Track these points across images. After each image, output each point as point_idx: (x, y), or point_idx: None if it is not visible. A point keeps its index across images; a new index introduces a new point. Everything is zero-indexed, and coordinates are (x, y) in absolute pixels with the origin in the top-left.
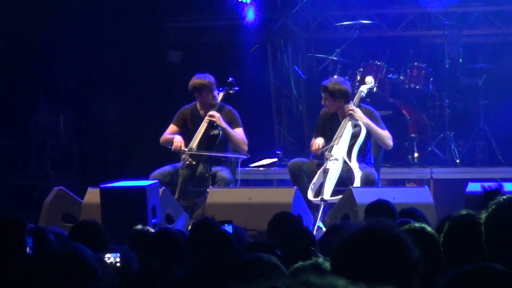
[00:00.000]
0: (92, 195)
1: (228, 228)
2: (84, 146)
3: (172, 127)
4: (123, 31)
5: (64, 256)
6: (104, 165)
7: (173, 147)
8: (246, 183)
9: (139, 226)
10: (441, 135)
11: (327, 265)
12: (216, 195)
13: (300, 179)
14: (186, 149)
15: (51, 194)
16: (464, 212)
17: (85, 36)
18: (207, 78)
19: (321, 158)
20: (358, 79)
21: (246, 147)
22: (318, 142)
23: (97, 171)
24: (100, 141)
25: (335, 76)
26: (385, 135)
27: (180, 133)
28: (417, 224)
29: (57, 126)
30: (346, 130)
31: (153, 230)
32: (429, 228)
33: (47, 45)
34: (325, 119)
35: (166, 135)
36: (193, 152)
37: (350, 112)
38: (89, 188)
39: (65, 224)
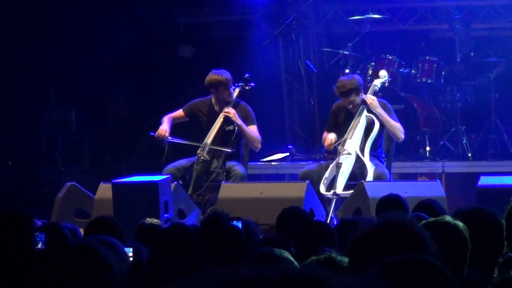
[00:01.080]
0: (104, 191)
1: (238, 224)
2: (95, 142)
3: (179, 111)
4: (134, 27)
5: (82, 251)
6: (115, 161)
7: (156, 133)
8: (257, 177)
9: (147, 220)
10: (453, 129)
11: (341, 259)
12: (228, 190)
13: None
14: (170, 138)
15: (63, 190)
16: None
17: (97, 31)
18: (225, 75)
19: (333, 153)
20: (370, 73)
21: (259, 145)
22: (331, 137)
23: (109, 166)
24: (111, 137)
25: (347, 72)
26: (398, 127)
27: (185, 121)
28: (432, 219)
29: (69, 122)
30: (359, 124)
31: (159, 223)
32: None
33: (59, 40)
34: (337, 113)
35: (168, 115)
36: (207, 147)
37: (367, 99)
38: (101, 183)
39: (77, 220)
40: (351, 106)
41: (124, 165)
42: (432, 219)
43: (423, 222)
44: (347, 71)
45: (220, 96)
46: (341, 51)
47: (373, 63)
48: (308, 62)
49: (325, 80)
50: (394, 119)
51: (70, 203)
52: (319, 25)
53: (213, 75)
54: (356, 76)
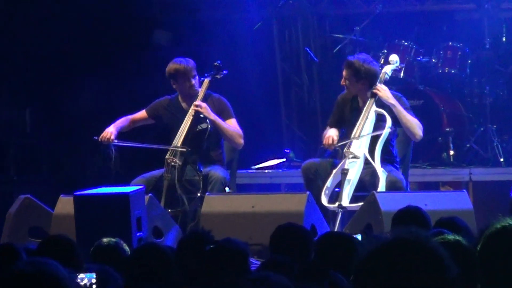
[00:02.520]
0: (65, 205)
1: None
2: (55, 146)
3: (141, 112)
4: (100, 9)
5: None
6: (79, 169)
7: (99, 137)
8: (248, 188)
9: (105, 240)
10: (482, 129)
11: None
12: (212, 203)
13: (315, 184)
14: (116, 141)
15: (16, 204)
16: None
17: (56, 13)
18: (184, 63)
19: (334, 155)
20: (382, 62)
21: (241, 140)
22: (331, 134)
23: (71, 175)
24: (74, 140)
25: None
26: (415, 122)
27: (148, 123)
28: (451, 237)
29: (23, 122)
30: (368, 121)
31: (119, 243)
32: (465, 242)
33: (11, 26)
34: (342, 107)
35: (125, 116)
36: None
37: (375, 91)
38: (61, 196)
39: (32, 239)
40: (344, 83)
41: (89, 174)
42: (440, 237)
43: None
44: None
45: (181, 88)
46: (347, 36)
47: (385, 51)
48: (308, 49)
49: (328, 71)
50: (410, 114)
51: (24, 220)
52: (321, 5)
53: (171, 64)
54: (371, 65)
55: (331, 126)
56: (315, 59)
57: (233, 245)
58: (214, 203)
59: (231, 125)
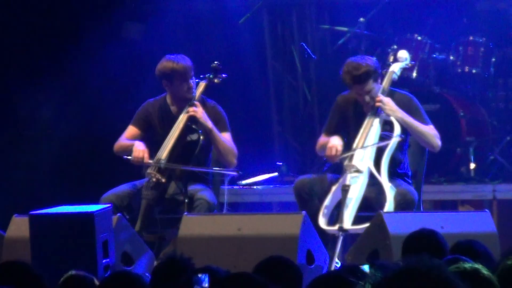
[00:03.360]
0: (19, 226)
1: (204, 280)
2: (6, 158)
3: (131, 130)
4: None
5: None
6: (35, 185)
7: (132, 157)
8: (234, 207)
9: (72, 272)
10: (508, 138)
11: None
12: (192, 225)
13: (311, 204)
14: (151, 161)
15: None
16: None
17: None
18: (182, 62)
19: (335, 169)
20: (392, 60)
21: (235, 160)
22: (335, 144)
23: (26, 192)
24: (29, 151)
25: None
26: (430, 132)
27: (143, 138)
28: (468, 264)
29: None
30: (373, 128)
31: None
32: (485, 271)
33: None
34: (344, 110)
35: (123, 140)
36: (163, 165)
37: (377, 104)
38: (14, 216)
39: None
40: (368, 98)
41: (46, 191)
42: (455, 265)
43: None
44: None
45: (176, 90)
46: (351, 29)
47: (395, 46)
48: (304, 44)
49: (328, 70)
50: (424, 121)
51: None
52: None
53: (165, 62)
54: (369, 57)
55: (328, 134)
56: (313, 56)
57: (214, 274)
58: (194, 225)
59: (227, 140)
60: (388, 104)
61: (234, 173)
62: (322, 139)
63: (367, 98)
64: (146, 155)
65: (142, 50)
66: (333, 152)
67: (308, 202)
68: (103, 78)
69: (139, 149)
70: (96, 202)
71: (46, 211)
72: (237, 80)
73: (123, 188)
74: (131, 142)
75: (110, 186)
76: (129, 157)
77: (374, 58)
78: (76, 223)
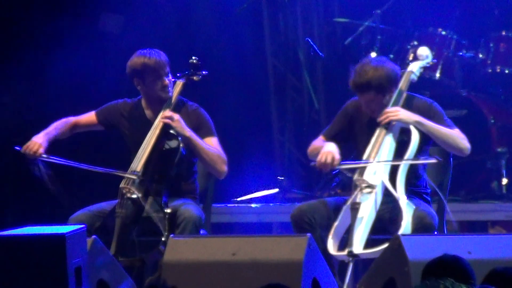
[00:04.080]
0: None
1: None
2: None
3: (89, 116)
4: None
5: None
6: None
7: (23, 147)
8: (228, 228)
9: None
10: None
11: None
12: (179, 248)
13: (313, 234)
14: (43, 155)
15: None
16: None
17: None
18: (154, 56)
19: (347, 185)
20: (411, 58)
21: (225, 167)
22: (331, 150)
23: None
24: None
25: (372, 55)
26: (455, 134)
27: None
28: None
29: None
30: (387, 138)
31: None
32: None
33: None
34: (352, 116)
35: (58, 122)
36: (134, 177)
37: (391, 118)
38: None
39: None
40: (369, 110)
41: (11, 207)
42: None
43: None
44: (373, 54)
45: (149, 90)
46: (364, 23)
47: (415, 42)
48: (310, 40)
49: (337, 69)
50: (449, 126)
51: None
52: None
53: (136, 58)
54: (389, 63)
55: (327, 138)
56: (320, 53)
57: None
58: (181, 249)
59: (212, 146)
60: (400, 111)
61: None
62: (318, 142)
63: (367, 109)
64: (40, 150)
65: (120, 45)
66: (328, 160)
67: (311, 234)
68: (75, 77)
69: (35, 141)
70: (63, 223)
71: (10, 233)
72: (231, 81)
73: (95, 207)
74: (54, 128)
75: (79, 204)
76: (19, 149)
77: (393, 66)
78: (44, 247)
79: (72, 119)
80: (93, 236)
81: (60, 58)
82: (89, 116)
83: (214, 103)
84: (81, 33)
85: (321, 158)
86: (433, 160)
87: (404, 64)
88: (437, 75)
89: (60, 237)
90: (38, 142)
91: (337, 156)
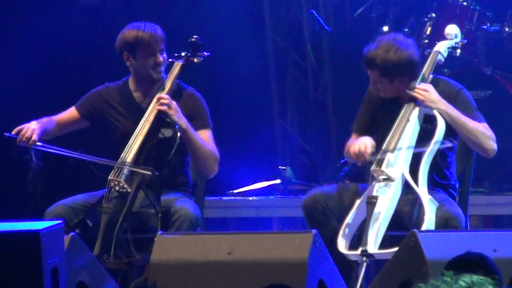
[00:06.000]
0: None
1: None
2: None
3: (70, 112)
4: None
5: None
6: None
7: (18, 134)
8: (223, 224)
9: None
10: None
11: None
12: (168, 247)
13: (327, 225)
14: (38, 143)
15: None
16: None
17: None
18: (149, 29)
19: (355, 175)
20: (428, 32)
21: (216, 166)
22: (365, 142)
23: None
24: None
25: (385, 31)
26: (482, 130)
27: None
28: None
29: None
30: (408, 128)
31: None
32: None
33: None
34: (374, 105)
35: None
36: (126, 166)
37: (415, 95)
38: None
39: None
40: (374, 89)
41: None
42: None
43: None
44: (385, 28)
45: (140, 68)
46: None
47: (433, 14)
48: (314, 12)
49: (345, 45)
50: (476, 118)
51: None
52: None
53: (128, 30)
54: (410, 48)
55: (360, 134)
56: (326, 27)
57: None
58: (171, 247)
59: (207, 141)
60: (428, 93)
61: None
62: (351, 141)
63: (372, 87)
64: (34, 136)
65: (102, 19)
66: (362, 148)
67: (323, 224)
68: (52, 54)
69: (29, 127)
70: (39, 218)
71: None
72: (226, 60)
73: (76, 199)
74: (45, 122)
75: (58, 197)
76: (13, 136)
77: (410, 50)
78: (16, 245)
79: (54, 118)
80: (72, 233)
81: (30, 35)
82: (70, 113)
83: (206, 84)
84: (57, 5)
85: (355, 148)
86: (448, 145)
87: (420, 39)
88: (458, 51)
89: (34, 234)
90: (32, 128)
91: (370, 145)
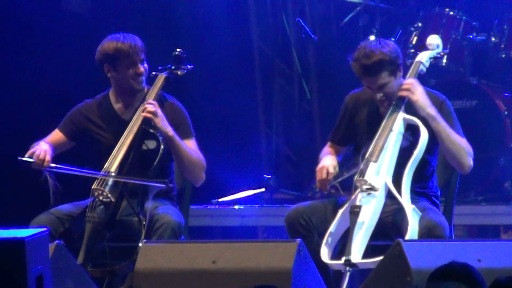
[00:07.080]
0: None
1: None
2: None
3: (55, 135)
4: None
5: None
6: None
7: (33, 157)
8: (208, 232)
9: None
10: None
11: None
12: (152, 256)
13: (310, 241)
14: (51, 165)
15: None
16: None
17: None
18: (128, 40)
19: (332, 193)
20: (414, 42)
21: (203, 174)
22: (326, 164)
23: None
24: None
25: (371, 38)
26: (464, 146)
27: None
28: None
29: None
30: (391, 137)
31: None
32: None
33: None
34: (354, 113)
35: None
36: (111, 177)
37: (404, 93)
38: None
39: None
40: (381, 96)
41: None
42: None
43: None
44: (372, 37)
45: (121, 79)
46: (362, 1)
47: (419, 24)
48: (301, 21)
49: (331, 54)
50: (457, 131)
51: None
52: None
53: (107, 42)
54: (390, 43)
55: (335, 143)
56: (312, 35)
57: None
58: (155, 256)
59: (192, 148)
60: (420, 94)
61: (162, 185)
62: (323, 151)
63: (379, 95)
64: (47, 157)
65: (87, 27)
66: (323, 175)
67: (307, 239)
68: (36, 64)
69: (42, 149)
70: (24, 226)
71: None
72: (211, 67)
73: (62, 209)
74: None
75: (43, 206)
76: (29, 159)
77: (393, 43)
78: (0, 253)
79: (48, 140)
80: (57, 241)
81: (16, 44)
82: (55, 135)
83: (191, 92)
84: (42, 13)
85: (317, 175)
86: (424, 147)
87: (406, 48)
88: (444, 61)
89: (19, 241)
90: (43, 148)
91: (332, 169)
